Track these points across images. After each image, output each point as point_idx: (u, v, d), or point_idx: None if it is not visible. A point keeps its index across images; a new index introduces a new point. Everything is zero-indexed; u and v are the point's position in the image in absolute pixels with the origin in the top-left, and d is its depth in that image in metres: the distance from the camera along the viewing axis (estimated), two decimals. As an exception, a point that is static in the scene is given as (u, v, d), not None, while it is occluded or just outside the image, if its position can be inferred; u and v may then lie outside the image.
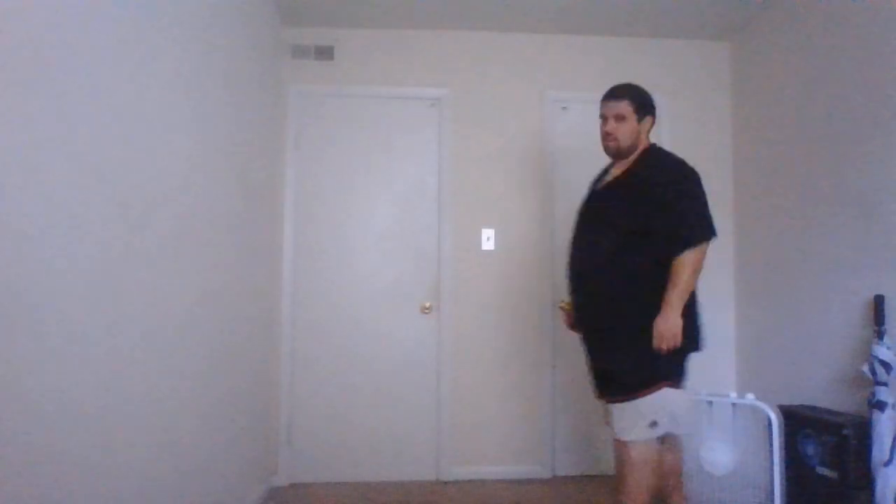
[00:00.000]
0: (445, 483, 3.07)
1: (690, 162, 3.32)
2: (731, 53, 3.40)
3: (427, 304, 3.17)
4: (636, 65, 3.36)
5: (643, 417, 1.93)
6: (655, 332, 1.89)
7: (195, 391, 1.91)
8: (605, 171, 2.19)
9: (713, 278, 3.31)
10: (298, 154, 3.19)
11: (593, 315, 2.06)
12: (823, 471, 2.27)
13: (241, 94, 2.45)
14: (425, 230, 3.22)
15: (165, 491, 1.67)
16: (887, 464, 2.08)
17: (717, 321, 3.30)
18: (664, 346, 1.88)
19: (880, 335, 2.19)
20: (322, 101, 3.23)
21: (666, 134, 3.34)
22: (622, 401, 1.96)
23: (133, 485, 1.47)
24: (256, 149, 2.71)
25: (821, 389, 2.57)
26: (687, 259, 1.89)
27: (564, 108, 3.31)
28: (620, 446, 1.99)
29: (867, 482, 2.13)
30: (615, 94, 2.04)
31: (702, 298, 3.32)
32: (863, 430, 2.16)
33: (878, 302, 2.23)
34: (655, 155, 2.07)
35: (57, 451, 1.16)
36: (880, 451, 2.10)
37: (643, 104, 2.05)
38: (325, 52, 3.23)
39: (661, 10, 3.06)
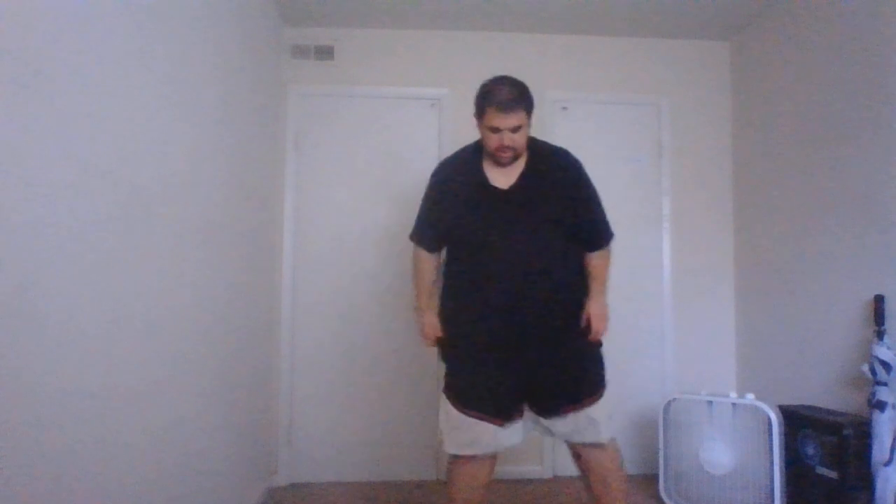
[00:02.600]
0: (445, 483, 3.06)
1: (689, 162, 3.37)
2: (731, 53, 3.40)
3: (427, 304, 3.17)
4: (636, 65, 3.36)
5: (611, 407, 1.94)
6: (600, 319, 1.92)
7: (195, 391, 1.91)
8: (476, 166, 1.96)
9: (713, 278, 3.32)
10: (298, 154, 3.19)
11: (558, 316, 1.90)
12: (823, 471, 2.27)
13: (241, 94, 2.45)
14: (425, 230, 3.22)
15: (165, 491, 1.67)
16: (887, 464, 2.08)
17: (717, 321, 3.30)
18: (603, 332, 1.95)
19: (880, 335, 2.19)
20: (322, 101, 3.23)
21: (666, 134, 3.34)
22: (598, 399, 1.91)
23: (133, 485, 1.47)
24: (256, 149, 2.71)
25: (821, 389, 2.57)
26: (609, 252, 2.01)
27: (564, 108, 3.31)
28: (608, 447, 1.95)
29: (867, 482, 2.13)
30: (510, 106, 1.81)
31: (702, 299, 3.35)
32: (863, 430, 2.16)
33: (878, 302, 2.23)
34: (543, 147, 1.99)
35: (56, 450, 1.16)
36: (880, 451, 2.10)
37: (531, 105, 1.88)
38: (325, 52, 3.23)
39: (661, 10, 3.06)
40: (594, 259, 1.97)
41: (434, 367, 3.16)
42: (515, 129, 1.83)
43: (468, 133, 3.25)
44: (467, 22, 3.21)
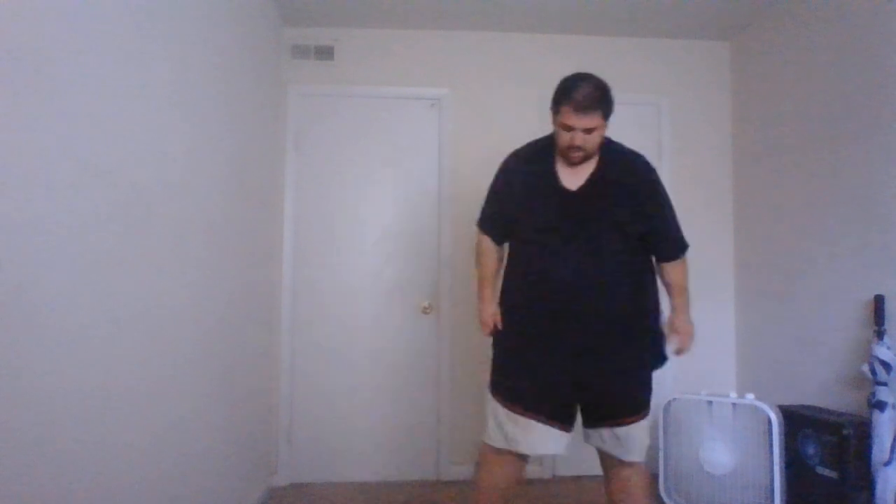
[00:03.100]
0: (445, 483, 3.07)
1: (689, 162, 3.37)
2: (731, 53, 3.40)
3: (427, 304, 3.17)
4: (637, 65, 3.36)
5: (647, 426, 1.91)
6: (683, 335, 1.88)
7: (195, 391, 1.91)
8: (548, 162, 1.90)
9: (713, 278, 3.32)
10: (298, 154, 3.19)
11: (616, 326, 1.82)
12: (823, 471, 2.27)
13: (241, 94, 2.45)
14: (425, 230, 3.22)
15: (165, 491, 1.67)
16: (887, 464, 2.08)
17: (717, 321, 3.30)
18: (688, 348, 1.90)
19: (880, 335, 2.19)
20: (322, 101, 3.23)
21: (666, 134, 3.34)
22: (642, 418, 1.87)
23: (133, 485, 1.47)
24: (256, 149, 2.71)
25: (821, 389, 2.57)
26: (685, 263, 1.95)
27: (564, 108, 3.30)
28: (641, 468, 1.91)
29: (867, 482, 2.13)
30: (587, 106, 1.74)
31: (702, 299, 3.35)
32: (863, 430, 2.16)
33: (878, 302, 2.23)
34: (617, 149, 1.92)
35: (57, 450, 1.16)
36: (880, 451, 2.10)
37: (610, 108, 1.81)
38: (325, 52, 3.23)
39: (661, 10, 3.06)
40: (670, 270, 1.91)
41: (434, 367, 3.17)
42: (589, 131, 1.76)
43: (468, 133, 3.27)
44: (467, 22, 3.21)
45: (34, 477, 1.09)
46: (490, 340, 2.01)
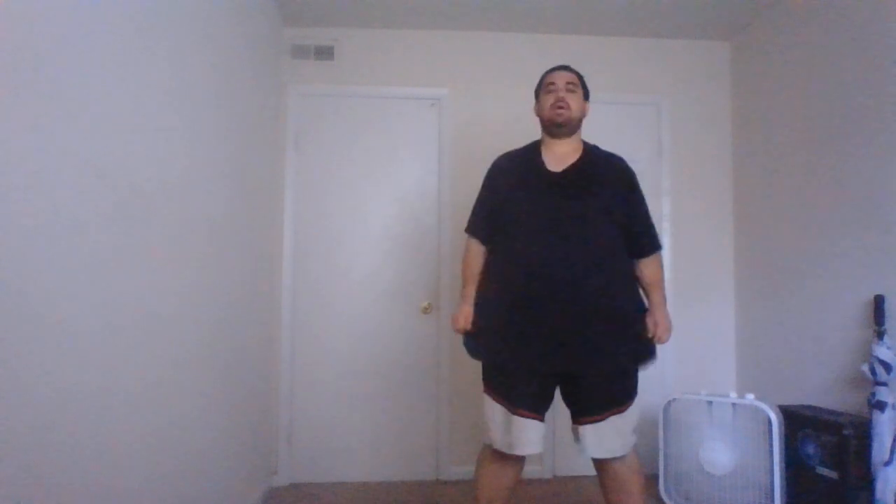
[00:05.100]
0: (445, 483, 3.07)
1: (689, 162, 3.37)
2: (731, 53, 3.40)
3: (427, 304, 3.17)
4: (636, 65, 3.36)
5: (636, 419, 1.90)
6: (663, 327, 1.89)
7: (195, 391, 1.91)
8: (535, 154, 1.97)
9: (713, 278, 3.32)
10: (298, 154, 3.19)
11: (603, 313, 1.80)
12: (823, 471, 2.27)
13: (241, 93, 2.45)
14: (425, 230, 3.22)
15: (165, 491, 1.67)
16: (887, 464, 2.08)
17: (717, 321, 3.30)
18: (666, 341, 1.91)
19: (880, 335, 2.19)
20: (322, 101, 3.23)
21: (666, 134, 3.34)
22: (625, 410, 1.85)
23: (133, 485, 1.47)
24: (256, 149, 2.71)
25: (821, 389, 2.57)
26: (660, 261, 1.99)
27: (564, 108, 3.30)
28: (628, 460, 1.89)
29: (867, 482, 2.13)
30: (562, 67, 1.99)
31: (702, 299, 3.35)
32: (863, 430, 2.16)
33: (878, 302, 2.24)
34: (598, 149, 2.01)
35: (56, 451, 1.16)
36: (880, 451, 2.10)
37: (587, 89, 2.00)
38: (325, 52, 3.23)
39: (661, 10, 3.06)
40: (647, 266, 1.93)
41: (434, 367, 3.17)
42: (570, 88, 1.93)
43: (468, 132, 3.27)
44: (467, 22, 3.21)
45: (34, 477, 1.09)
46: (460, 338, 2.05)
